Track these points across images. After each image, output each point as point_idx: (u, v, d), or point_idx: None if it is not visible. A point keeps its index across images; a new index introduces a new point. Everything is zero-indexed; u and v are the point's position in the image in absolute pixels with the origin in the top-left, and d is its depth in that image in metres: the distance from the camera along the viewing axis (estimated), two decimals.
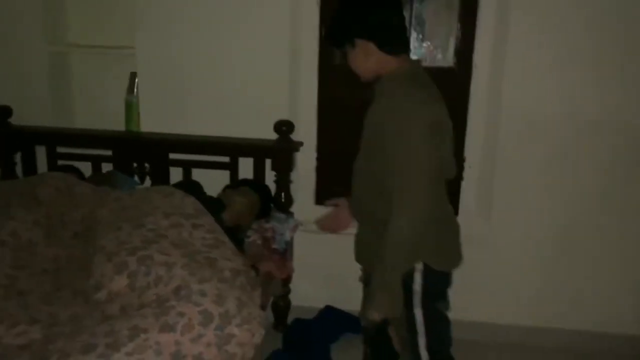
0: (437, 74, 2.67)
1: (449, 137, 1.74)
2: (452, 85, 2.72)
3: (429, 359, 1.79)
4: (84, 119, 2.94)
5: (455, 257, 1.86)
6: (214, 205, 2.23)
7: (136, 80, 2.73)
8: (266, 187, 2.59)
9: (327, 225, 2.04)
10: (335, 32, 1.75)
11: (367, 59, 1.71)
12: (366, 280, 1.88)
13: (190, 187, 2.44)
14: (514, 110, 2.58)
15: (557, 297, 2.77)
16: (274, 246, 2.45)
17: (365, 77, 1.77)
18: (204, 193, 2.49)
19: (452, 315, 2.75)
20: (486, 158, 2.71)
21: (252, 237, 2.43)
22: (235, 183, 2.60)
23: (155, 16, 2.63)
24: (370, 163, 1.73)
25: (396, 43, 1.72)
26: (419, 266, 1.73)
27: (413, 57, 2.63)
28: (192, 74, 2.66)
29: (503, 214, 2.71)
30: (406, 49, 1.77)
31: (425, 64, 2.70)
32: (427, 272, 1.74)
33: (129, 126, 2.79)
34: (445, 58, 2.71)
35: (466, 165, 2.75)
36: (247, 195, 2.44)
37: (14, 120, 2.77)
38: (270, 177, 2.63)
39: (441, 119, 1.69)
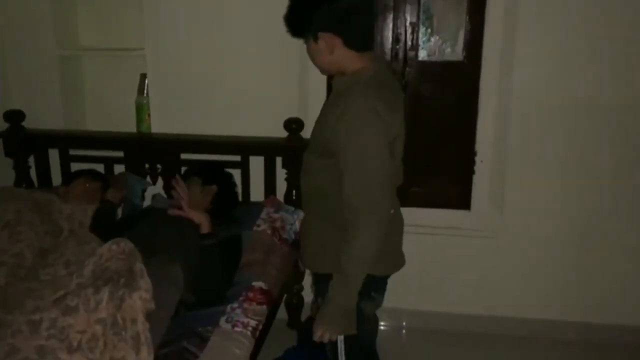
0: (446, 68, 2.72)
1: (401, 146, 1.67)
2: (462, 79, 2.71)
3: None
4: (96, 121, 2.97)
5: (398, 261, 1.81)
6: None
7: (146, 81, 2.74)
8: (225, 174, 2.51)
9: None
10: (298, 21, 1.59)
11: (330, 54, 1.59)
12: (315, 280, 1.85)
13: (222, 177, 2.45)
14: (525, 103, 2.57)
15: (569, 290, 2.76)
16: (284, 236, 2.45)
17: (326, 71, 1.69)
18: (233, 183, 2.50)
19: (464, 309, 2.81)
20: (498, 152, 2.70)
21: (262, 227, 2.43)
22: (184, 174, 2.48)
23: (164, 17, 2.64)
24: (322, 163, 1.65)
25: (363, 40, 1.61)
26: None
27: (423, 52, 2.70)
28: (201, 73, 2.67)
29: (515, 207, 2.69)
30: (371, 46, 1.67)
31: (434, 58, 2.71)
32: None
33: (140, 127, 2.80)
34: (454, 52, 2.69)
35: (477, 159, 2.74)
36: (191, 186, 2.30)
37: (27, 123, 2.79)
38: (281, 175, 2.64)
39: (397, 132, 1.60)
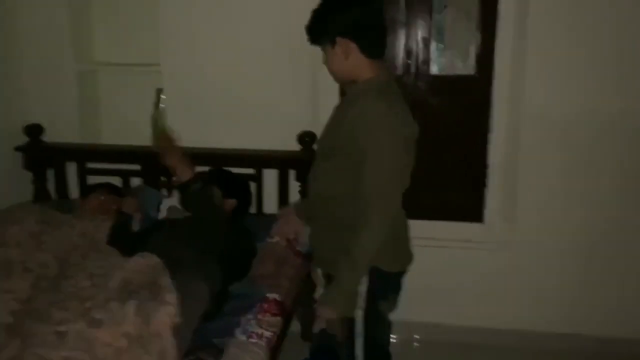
0: (458, 82, 2.75)
1: (413, 151, 1.74)
2: (474, 93, 2.73)
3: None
4: (112, 135, 3.01)
5: (406, 257, 1.89)
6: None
7: (162, 95, 2.78)
8: (245, 187, 2.54)
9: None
10: (318, 28, 1.69)
11: (345, 59, 1.67)
12: (328, 282, 1.89)
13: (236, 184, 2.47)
14: (537, 115, 2.58)
15: (581, 302, 2.75)
16: (298, 248, 2.47)
17: (340, 78, 1.76)
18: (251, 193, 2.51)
19: (476, 321, 2.81)
20: (509, 163, 2.71)
21: (276, 238, 2.46)
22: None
23: (180, 33, 2.69)
24: (335, 167, 1.73)
25: (378, 47, 1.71)
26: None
27: (434, 66, 2.73)
28: (215, 88, 2.71)
29: (527, 220, 2.70)
30: (384, 55, 1.76)
31: (446, 72, 2.74)
32: (374, 274, 1.73)
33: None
34: (466, 66, 2.72)
35: (490, 171, 2.75)
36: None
37: (46, 137, 2.85)
38: (294, 188, 2.67)
39: (412, 134, 1.70)
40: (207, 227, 2.11)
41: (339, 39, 1.65)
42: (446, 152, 2.82)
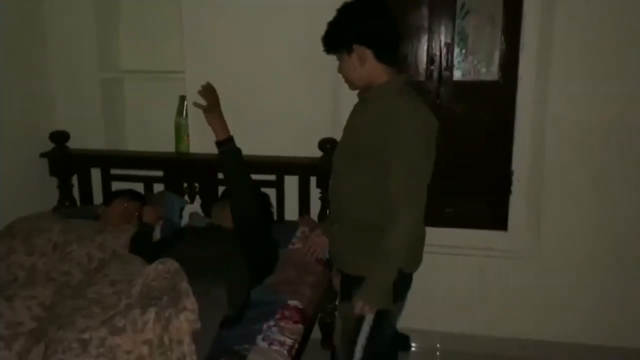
0: (481, 88, 2.72)
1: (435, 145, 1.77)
2: (498, 98, 2.70)
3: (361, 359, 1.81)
4: (136, 141, 3.05)
5: (419, 258, 1.91)
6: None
7: (185, 103, 2.81)
8: (262, 195, 2.54)
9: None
10: (334, 36, 1.76)
11: (361, 66, 1.73)
12: (345, 282, 1.92)
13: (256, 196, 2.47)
14: (562, 122, 2.54)
15: (607, 313, 2.69)
16: (320, 255, 2.45)
17: (355, 85, 1.81)
18: (270, 204, 2.52)
19: (499, 331, 2.76)
20: (534, 171, 2.67)
21: (297, 245, 2.45)
22: (222, 194, 2.56)
23: (203, 41, 2.71)
24: (359, 166, 1.76)
25: (392, 53, 1.76)
26: None
27: (457, 72, 2.71)
28: (238, 95, 2.70)
29: (552, 228, 2.65)
30: (398, 61, 1.81)
31: (469, 78, 2.71)
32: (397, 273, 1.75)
33: (179, 147, 2.87)
34: (489, 71, 2.70)
35: (514, 179, 2.71)
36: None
37: (71, 144, 2.89)
38: (315, 194, 2.66)
39: (435, 127, 1.73)
40: (246, 214, 2.22)
41: (355, 46, 1.72)
42: (469, 158, 2.79)
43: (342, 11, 1.76)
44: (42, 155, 2.83)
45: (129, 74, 3.01)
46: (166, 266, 1.75)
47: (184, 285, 1.71)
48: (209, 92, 2.36)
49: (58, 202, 2.88)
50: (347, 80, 1.82)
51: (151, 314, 1.58)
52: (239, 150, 2.31)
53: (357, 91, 1.87)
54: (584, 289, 2.69)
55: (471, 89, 2.74)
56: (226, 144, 2.28)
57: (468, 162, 2.79)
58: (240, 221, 2.24)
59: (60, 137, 2.85)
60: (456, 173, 2.76)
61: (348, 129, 1.88)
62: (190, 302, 1.64)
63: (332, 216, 1.98)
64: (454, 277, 2.78)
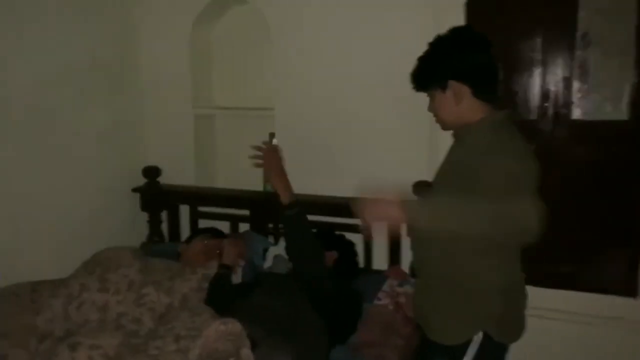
0: (606, 128, 2.36)
1: (531, 196, 1.49)
2: (627, 141, 2.35)
3: None
4: (226, 179, 3.02)
5: (518, 328, 1.69)
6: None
7: (274, 140, 2.72)
8: (346, 241, 2.38)
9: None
10: (427, 72, 1.64)
11: (457, 104, 1.61)
12: (422, 343, 1.79)
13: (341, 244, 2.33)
14: None
15: None
16: (408, 314, 2.19)
17: (449, 124, 1.68)
18: (354, 252, 2.36)
19: None
20: None
21: (383, 301, 2.24)
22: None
23: (294, 79, 2.66)
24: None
25: (490, 90, 1.64)
26: (477, 337, 1.59)
27: (577, 110, 2.38)
28: (328, 135, 2.61)
29: None
30: (497, 97, 1.66)
31: (591, 117, 2.38)
32: (485, 342, 1.59)
33: (266, 187, 2.77)
34: (617, 110, 2.34)
35: None
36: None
37: (162, 179, 2.90)
38: (406, 243, 2.41)
39: (528, 172, 1.51)
40: (309, 280, 2.01)
41: (451, 82, 1.60)
42: (591, 210, 2.43)
43: (437, 45, 1.64)
44: (135, 190, 2.86)
45: (221, 110, 3.00)
46: (228, 327, 1.63)
47: (245, 352, 1.59)
48: (272, 154, 2.18)
49: (147, 237, 2.89)
50: (438, 120, 1.70)
51: None
52: (303, 212, 2.07)
53: (448, 123, 1.70)
54: None
55: (593, 130, 2.39)
56: (290, 207, 2.05)
57: (588, 213, 2.43)
58: (312, 293, 2.00)
59: (152, 173, 2.87)
60: (575, 227, 2.41)
61: (440, 169, 1.77)
62: None
63: (415, 267, 1.82)
64: (570, 348, 2.40)
